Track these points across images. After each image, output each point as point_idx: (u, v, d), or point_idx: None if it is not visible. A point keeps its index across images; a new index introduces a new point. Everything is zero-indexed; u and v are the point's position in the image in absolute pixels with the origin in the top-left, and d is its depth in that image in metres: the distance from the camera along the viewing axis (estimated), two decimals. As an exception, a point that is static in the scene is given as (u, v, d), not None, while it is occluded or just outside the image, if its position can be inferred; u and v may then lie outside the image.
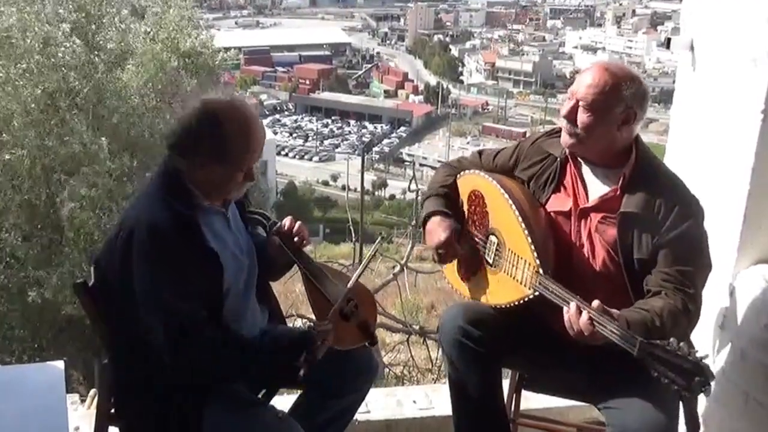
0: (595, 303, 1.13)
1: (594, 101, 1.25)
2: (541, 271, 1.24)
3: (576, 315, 1.14)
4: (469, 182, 1.44)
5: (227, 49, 5.87)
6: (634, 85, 1.26)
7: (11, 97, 4.07)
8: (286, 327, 1.28)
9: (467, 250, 1.41)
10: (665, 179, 1.29)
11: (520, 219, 1.30)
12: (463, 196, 1.45)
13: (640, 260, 1.25)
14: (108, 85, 4.41)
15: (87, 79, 4.30)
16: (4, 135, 4.08)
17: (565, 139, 1.31)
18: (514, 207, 1.31)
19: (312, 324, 1.25)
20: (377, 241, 1.48)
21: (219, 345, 1.16)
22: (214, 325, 1.17)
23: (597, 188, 1.32)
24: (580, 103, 1.27)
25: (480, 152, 1.53)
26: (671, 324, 1.17)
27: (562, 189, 1.35)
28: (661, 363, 1.04)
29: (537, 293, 1.25)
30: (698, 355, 1.04)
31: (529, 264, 1.27)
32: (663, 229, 1.23)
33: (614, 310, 1.15)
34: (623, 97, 1.25)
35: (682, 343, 1.05)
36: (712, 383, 1.02)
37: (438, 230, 1.38)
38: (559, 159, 1.35)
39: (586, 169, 1.34)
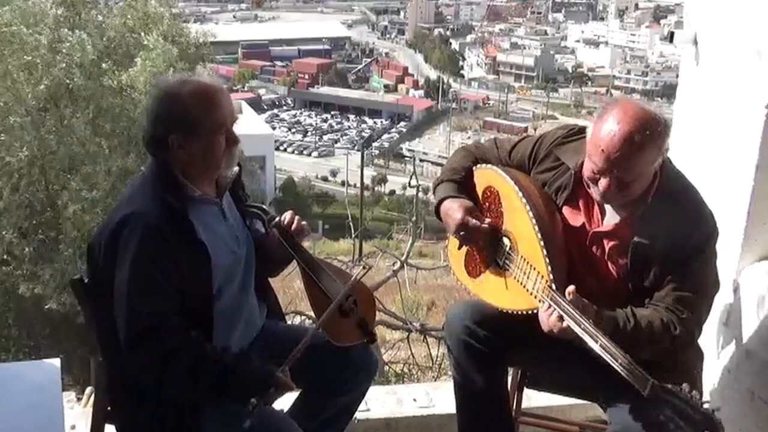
0: (570, 288, 1.11)
1: (632, 170, 1.14)
2: (554, 286, 1.19)
3: (553, 321, 1.14)
4: (485, 177, 1.37)
5: (205, 43, 5.75)
6: (662, 133, 1.15)
7: (10, 93, 4.03)
8: (252, 360, 1.18)
9: (474, 253, 1.36)
10: (686, 204, 1.21)
11: (536, 228, 1.24)
12: (478, 191, 1.39)
13: (649, 288, 1.21)
14: (112, 81, 4.36)
15: (89, 76, 4.26)
16: (2, 135, 4.04)
17: (600, 199, 1.21)
18: (531, 214, 1.25)
19: (276, 368, 1.16)
20: (361, 269, 1.37)
21: (174, 354, 1.10)
22: (179, 332, 1.12)
23: (613, 212, 1.25)
24: (620, 178, 1.15)
25: (496, 141, 1.44)
26: (648, 335, 1.14)
27: (575, 203, 1.28)
28: (670, 408, 1.01)
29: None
30: (711, 406, 1.00)
31: (542, 276, 1.22)
32: (674, 256, 1.18)
33: (590, 304, 1.13)
34: (661, 151, 1.16)
35: (694, 391, 1.02)
36: None
37: (452, 212, 1.32)
38: (572, 171, 1.27)
39: None
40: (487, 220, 1.34)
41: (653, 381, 1.03)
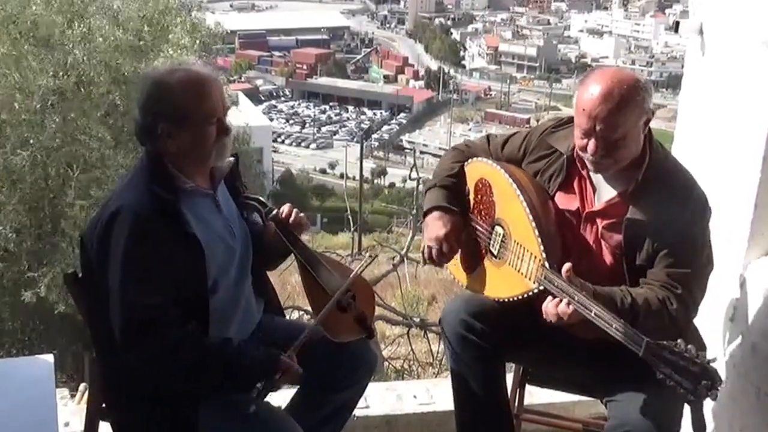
0: (567, 266, 1.12)
1: (615, 127, 1.15)
2: (546, 264, 1.20)
3: (555, 306, 1.14)
4: (476, 170, 1.39)
5: (220, 35, 5.71)
6: (641, 89, 1.17)
7: (19, 85, 3.97)
8: (256, 349, 1.16)
9: (471, 241, 1.36)
10: (676, 181, 1.23)
11: (527, 210, 1.25)
12: (470, 184, 1.39)
13: (642, 266, 1.22)
14: (132, 77, 4.29)
15: (108, 71, 4.20)
16: (8, 130, 4.00)
17: (593, 168, 1.23)
18: (522, 197, 1.26)
19: (281, 353, 1.15)
20: (367, 257, 1.37)
21: (176, 348, 1.09)
22: (178, 326, 1.10)
23: (605, 191, 1.27)
24: (605, 137, 1.17)
25: (488, 137, 1.46)
26: (645, 311, 1.15)
27: (568, 188, 1.30)
28: (667, 365, 1.01)
29: (541, 288, 1.20)
30: (708, 357, 1.02)
31: (535, 257, 1.22)
32: (665, 234, 1.19)
33: (587, 283, 1.14)
34: (643, 108, 1.18)
35: (690, 345, 1.02)
36: (720, 387, 1.00)
37: (437, 224, 1.33)
38: (565, 156, 1.29)
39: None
40: (466, 240, 1.35)
41: (647, 339, 1.03)
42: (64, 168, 4.13)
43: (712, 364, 1.01)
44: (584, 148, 1.21)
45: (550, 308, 1.15)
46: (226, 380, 1.12)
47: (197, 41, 4.66)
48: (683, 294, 1.17)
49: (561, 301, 1.13)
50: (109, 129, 4.22)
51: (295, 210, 1.31)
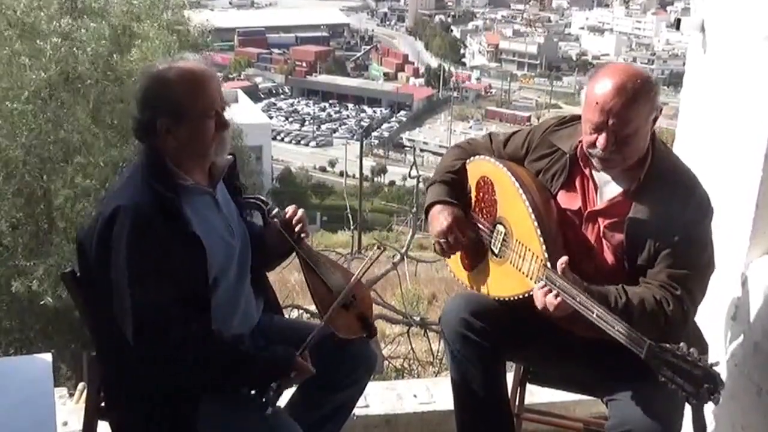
0: (563, 259, 1.12)
1: (628, 121, 1.15)
2: (548, 264, 1.19)
3: (550, 299, 1.15)
4: (478, 168, 1.39)
5: (209, 31, 5.68)
6: (652, 84, 1.18)
7: (14, 79, 3.95)
8: (268, 349, 1.18)
9: (472, 239, 1.36)
10: (679, 180, 1.23)
11: (530, 209, 1.24)
12: (472, 182, 1.39)
13: (643, 266, 1.21)
14: (115, 69, 4.29)
15: (94, 64, 4.19)
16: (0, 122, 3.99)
17: (601, 165, 1.22)
18: (524, 196, 1.26)
19: (295, 353, 1.17)
20: (375, 251, 1.39)
21: (188, 345, 1.09)
22: (186, 323, 1.10)
23: (607, 190, 1.26)
24: (617, 131, 1.16)
25: (491, 135, 1.46)
26: (640, 311, 1.14)
27: (571, 187, 1.29)
28: (669, 368, 1.01)
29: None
30: (710, 361, 1.01)
31: (537, 256, 1.22)
32: (667, 234, 1.19)
33: (579, 279, 1.15)
34: (654, 105, 1.18)
35: (692, 349, 1.02)
36: (722, 391, 1.00)
37: (439, 218, 1.34)
38: (568, 155, 1.28)
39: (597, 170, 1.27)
40: (471, 234, 1.36)
41: (650, 342, 1.03)
42: (60, 164, 4.12)
43: (714, 368, 1.01)
44: (593, 144, 1.19)
45: (539, 295, 1.16)
46: (239, 377, 1.13)
47: (172, 36, 4.63)
48: (682, 295, 1.17)
49: (550, 291, 1.13)
50: (95, 119, 4.21)
51: (300, 211, 1.32)
